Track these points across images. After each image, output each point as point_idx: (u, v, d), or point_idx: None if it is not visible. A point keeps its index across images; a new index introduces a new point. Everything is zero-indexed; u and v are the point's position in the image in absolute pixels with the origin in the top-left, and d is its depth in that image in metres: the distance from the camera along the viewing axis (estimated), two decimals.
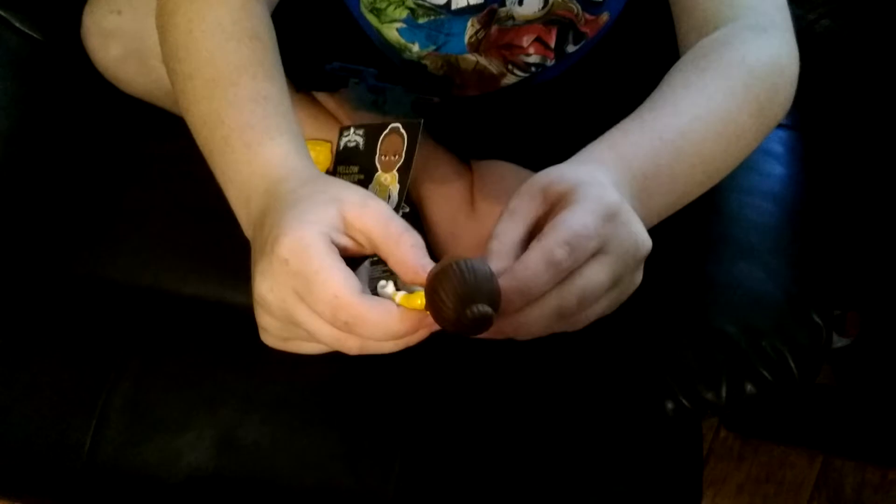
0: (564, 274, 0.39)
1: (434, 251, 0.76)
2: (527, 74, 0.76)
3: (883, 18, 0.95)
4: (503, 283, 0.38)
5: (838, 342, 1.11)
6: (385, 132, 0.55)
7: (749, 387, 0.62)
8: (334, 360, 0.76)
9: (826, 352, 0.64)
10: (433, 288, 0.38)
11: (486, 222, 0.70)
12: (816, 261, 0.69)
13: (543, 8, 0.67)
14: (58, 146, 0.81)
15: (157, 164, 0.87)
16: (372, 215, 0.41)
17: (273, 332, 0.47)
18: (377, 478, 0.70)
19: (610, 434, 0.72)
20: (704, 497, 1.02)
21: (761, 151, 0.73)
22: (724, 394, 0.62)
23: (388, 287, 0.42)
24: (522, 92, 0.81)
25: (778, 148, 0.74)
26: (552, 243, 0.39)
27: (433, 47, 0.73)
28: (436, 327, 0.40)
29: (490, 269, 0.38)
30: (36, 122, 0.78)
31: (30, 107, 0.78)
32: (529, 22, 0.69)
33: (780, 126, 0.76)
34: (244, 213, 0.49)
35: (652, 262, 0.69)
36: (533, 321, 0.40)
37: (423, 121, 0.50)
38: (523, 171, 0.74)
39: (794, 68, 0.55)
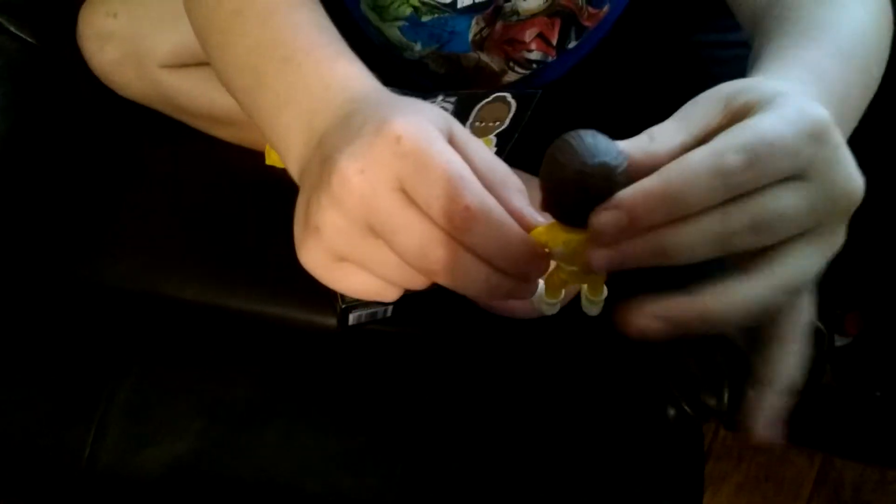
0: (738, 191, 0.29)
1: None
2: (528, 72, 0.76)
3: None
4: (648, 184, 0.29)
5: (838, 341, 1.11)
6: (486, 100, 0.50)
7: (751, 393, 0.62)
8: (335, 364, 0.77)
9: (829, 356, 0.64)
10: (549, 160, 0.31)
11: None
12: None
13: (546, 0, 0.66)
14: (55, 151, 0.81)
15: (155, 168, 0.87)
16: (481, 145, 0.34)
17: (331, 241, 0.35)
18: (379, 482, 0.70)
19: (612, 439, 0.72)
20: (703, 496, 1.02)
21: None
22: (726, 400, 0.62)
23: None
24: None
25: None
26: (725, 145, 0.29)
27: (436, 46, 0.72)
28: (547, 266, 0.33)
29: (621, 150, 0.30)
30: (33, 126, 0.78)
31: (26, 111, 0.77)
32: (533, 15, 0.69)
33: None
34: (304, 132, 0.39)
35: (653, 267, 0.69)
36: (683, 243, 0.31)
37: (540, 91, 0.45)
38: (525, 176, 0.73)
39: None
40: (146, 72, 0.80)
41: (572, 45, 0.72)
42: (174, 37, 0.80)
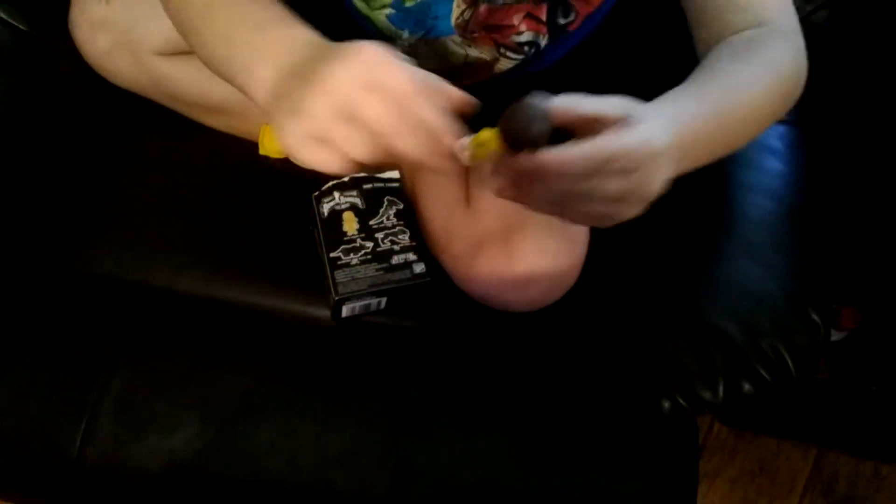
0: (590, 176, 0.45)
1: (429, 247, 0.75)
2: (521, 56, 0.75)
3: (881, 11, 0.95)
4: (552, 157, 0.44)
5: (834, 336, 1.11)
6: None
7: (747, 386, 0.62)
8: (328, 359, 0.76)
9: (824, 349, 0.64)
10: (508, 113, 0.46)
11: (481, 218, 0.69)
12: (815, 258, 0.68)
13: None
14: (47, 140, 0.80)
15: (147, 158, 0.86)
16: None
17: (314, 123, 0.45)
18: (372, 478, 0.70)
19: (606, 431, 0.72)
20: (698, 491, 1.02)
21: (760, 147, 0.73)
22: (721, 393, 0.62)
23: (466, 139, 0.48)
24: (518, 82, 0.80)
25: (777, 143, 0.73)
26: (605, 150, 0.45)
27: (422, 32, 0.72)
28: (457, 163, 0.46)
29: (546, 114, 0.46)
30: (26, 115, 0.77)
31: (19, 100, 0.77)
32: (520, 1, 0.68)
33: (778, 121, 0.76)
34: (275, 68, 0.50)
35: (651, 260, 0.69)
36: (545, 190, 0.46)
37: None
38: None
39: (805, 66, 0.63)
40: (139, 59, 0.79)
41: (562, 21, 0.71)
42: (167, 24, 0.79)
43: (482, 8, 0.69)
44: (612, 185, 0.45)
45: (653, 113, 0.48)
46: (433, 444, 0.71)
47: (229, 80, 0.56)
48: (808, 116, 0.78)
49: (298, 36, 0.51)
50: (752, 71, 0.57)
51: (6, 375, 0.73)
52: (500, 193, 0.47)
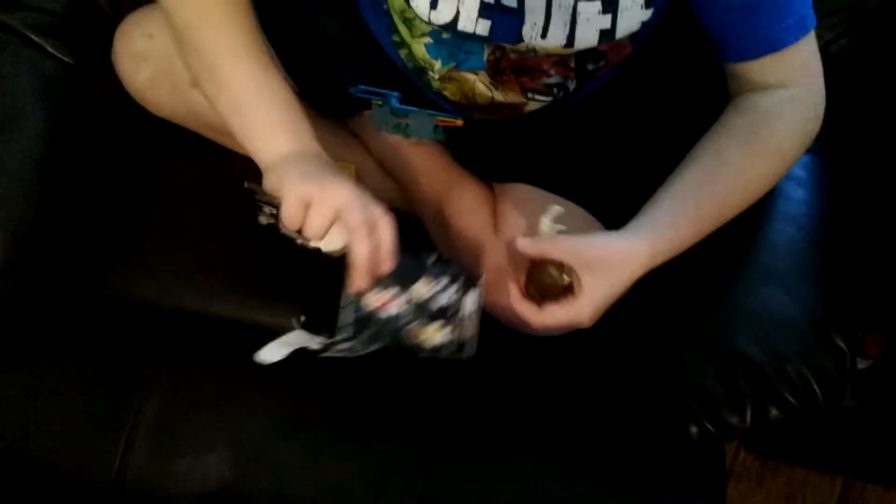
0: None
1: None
2: (549, 98, 0.77)
3: None
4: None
5: (860, 363, 1.11)
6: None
7: (774, 411, 0.62)
8: (357, 384, 0.77)
9: (850, 376, 0.64)
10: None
11: (509, 244, 0.70)
12: (840, 285, 0.69)
13: (568, 45, 0.68)
14: (87, 168, 0.82)
15: (182, 185, 0.88)
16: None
17: (318, 193, 0.60)
18: (400, 499, 0.71)
19: (634, 457, 0.72)
20: None
21: (785, 176, 0.73)
22: (748, 419, 0.62)
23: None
24: (545, 115, 0.82)
25: (801, 172, 0.74)
26: (566, 317, 0.62)
27: (453, 64, 0.74)
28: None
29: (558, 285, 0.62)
30: (66, 144, 0.80)
31: (61, 129, 0.79)
32: (549, 55, 0.70)
33: None
34: (269, 153, 0.64)
35: (677, 286, 0.70)
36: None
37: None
38: (546, 195, 0.74)
39: (819, 123, 0.68)
40: (179, 90, 0.82)
41: (591, 67, 0.73)
42: None
43: (513, 55, 0.71)
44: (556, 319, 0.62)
45: (624, 254, 0.61)
46: (459, 471, 0.72)
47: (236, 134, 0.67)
48: (830, 145, 0.79)
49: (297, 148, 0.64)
50: (753, 164, 0.64)
51: (47, 397, 0.75)
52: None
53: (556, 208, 0.63)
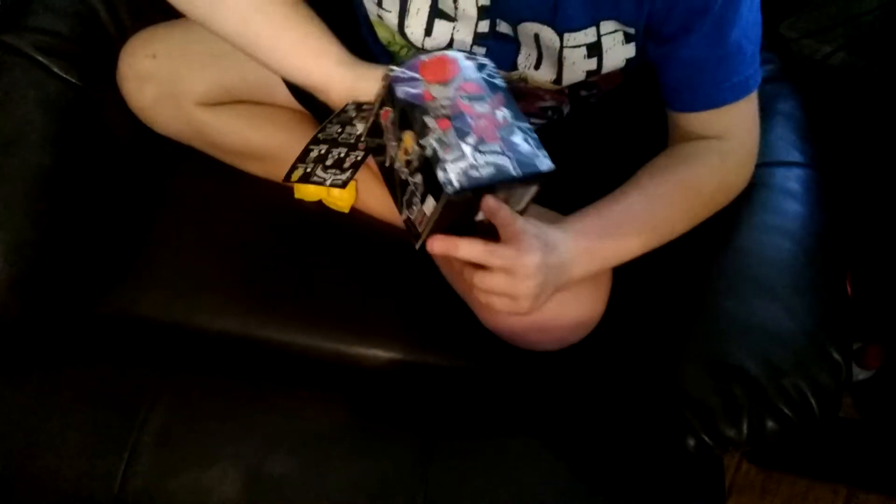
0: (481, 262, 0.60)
1: (457, 289, 0.78)
2: (543, 121, 0.78)
3: None
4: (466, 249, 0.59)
5: (860, 375, 1.11)
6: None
7: (770, 424, 0.63)
8: (360, 397, 0.78)
9: (846, 388, 0.65)
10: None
11: None
12: (834, 298, 0.69)
13: (556, 81, 0.69)
14: (93, 186, 0.83)
15: (187, 202, 0.90)
16: None
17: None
18: None
19: (633, 470, 0.72)
20: None
21: (778, 190, 0.74)
22: (745, 431, 0.63)
23: None
24: (539, 132, 0.83)
25: (794, 186, 0.75)
26: (487, 254, 0.59)
27: None
28: None
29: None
30: (72, 163, 0.81)
31: (69, 149, 0.81)
32: (539, 87, 0.71)
33: (795, 164, 0.77)
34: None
35: (673, 300, 0.71)
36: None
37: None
38: (546, 211, 0.75)
39: (745, 178, 0.72)
40: (183, 110, 0.84)
41: (584, 94, 0.74)
42: (210, 76, 0.84)
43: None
44: (492, 280, 0.60)
45: (550, 236, 0.62)
46: (461, 484, 0.72)
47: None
48: (825, 158, 0.80)
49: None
50: (669, 193, 0.68)
51: (51, 413, 0.76)
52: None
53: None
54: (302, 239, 0.87)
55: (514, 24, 0.66)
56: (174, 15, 0.87)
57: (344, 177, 0.72)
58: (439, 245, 0.58)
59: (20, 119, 0.78)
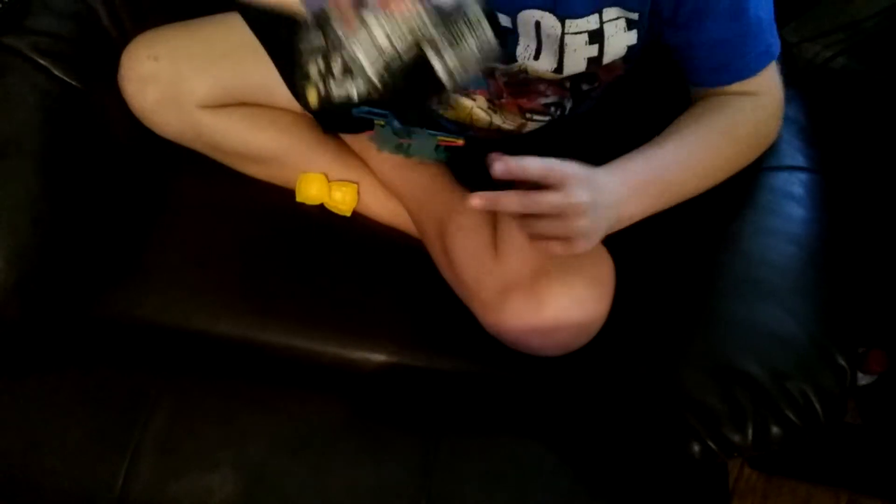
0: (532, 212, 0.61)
1: (459, 294, 0.77)
2: (547, 118, 0.78)
3: None
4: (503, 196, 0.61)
5: (863, 379, 1.11)
6: None
7: (775, 429, 0.62)
8: (361, 401, 0.78)
9: (850, 393, 0.65)
10: None
11: (509, 266, 0.71)
12: (839, 302, 0.69)
13: (557, 71, 0.69)
14: (92, 188, 0.83)
15: (187, 205, 0.89)
16: None
17: None
18: None
19: (637, 476, 0.72)
20: None
21: (782, 194, 0.74)
22: (750, 436, 0.62)
23: None
24: (544, 134, 0.82)
25: (798, 190, 0.75)
26: (537, 200, 0.60)
27: None
28: None
29: None
30: (75, 166, 0.81)
31: (69, 151, 0.80)
32: (541, 79, 0.71)
33: (798, 168, 0.77)
34: None
35: (677, 304, 0.70)
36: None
37: None
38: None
39: (778, 127, 0.74)
40: (184, 112, 0.84)
41: (586, 87, 0.74)
42: (212, 78, 0.83)
43: (502, 79, 0.72)
44: (548, 226, 0.61)
45: (597, 176, 0.62)
46: (463, 487, 0.72)
47: None
48: (829, 162, 0.80)
49: None
50: (707, 136, 0.69)
51: (51, 416, 0.76)
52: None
53: None
54: (303, 242, 0.86)
55: (512, 15, 0.66)
56: (176, 17, 0.88)
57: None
58: (479, 201, 0.60)
59: (20, 121, 0.78)
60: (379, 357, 0.80)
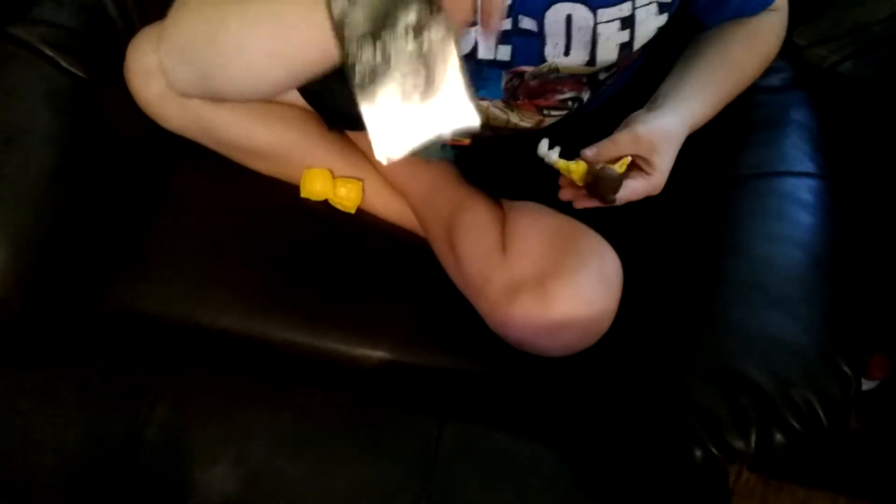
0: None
1: (465, 292, 0.77)
2: (564, 112, 0.77)
3: None
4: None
5: (864, 385, 1.11)
6: None
7: (778, 436, 0.62)
8: (363, 398, 0.78)
9: (855, 402, 0.64)
10: (594, 184, 0.66)
11: (517, 264, 0.71)
12: (845, 310, 0.69)
13: (589, 63, 0.69)
14: (99, 180, 0.83)
15: (193, 197, 0.89)
16: None
17: None
18: None
19: (638, 478, 0.72)
20: None
21: (790, 200, 0.74)
22: (753, 443, 0.62)
23: (554, 154, 0.68)
24: (556, 131, 0.82)
25: (807, 196, 0.74)
26: (645, 187, 0.67)
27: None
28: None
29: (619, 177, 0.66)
30: (79, 157, 0.80)
31: (74, 143, 0.80)
32: (572, 75, 0.71)
33: (807, 174, 0.77)
34: None
35: (682, 309, 0.70)
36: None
37: None
38: (555, 214, 0.75)
39: (784, 36, 0.80)
40: (189, 105, 0.83)
41: (603, 76, 0.74)
42: None
43: (532, 82, 0.71)
44: (637, 194, 0.67)
45: (673, 136, 0.68)
46: (464, 486, 0.72)
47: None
48: (836, 169, 0.79)
49: None
50: (750, 59, 0.76)
51: (52, 409, 0.76)
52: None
53: (545, 140, 0.69)
54: (307, 238, 0.86)
55: (538, 15, 0.66)
56: None
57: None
58: (582, 202, 0.68)
59: (26, 112, 0.78)
60: (381, 354, 0.80)
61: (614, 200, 0.66)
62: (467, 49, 0.68)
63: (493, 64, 0.69)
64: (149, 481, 0.72)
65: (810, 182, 0.76)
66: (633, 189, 0.66)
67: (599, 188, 0.65)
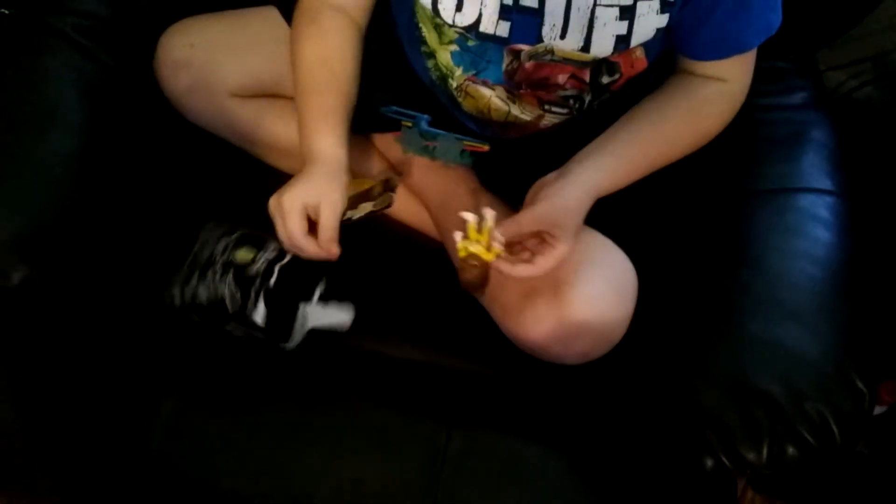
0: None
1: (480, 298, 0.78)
2: (566, 111, 0.78)
3: None
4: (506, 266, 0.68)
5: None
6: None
7: (791, 449, 0.62)
8: (374, 396, 0.78)
9: (869, 418, 0.65)
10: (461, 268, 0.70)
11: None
12: (860, 326, 0.69)
13: (584, 50, 0.69)
14: (123, 171, 0.84)
15: (213, 192, 0.90)
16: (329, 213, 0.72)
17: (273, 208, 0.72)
18: None
19: (647, 486, 0.72)
20: None
21: (809, 216, 0.74)
22: (765, 455, 0.62)
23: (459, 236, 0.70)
24: (568, 138, 0.83)
25: (824, 213, 0.75)
26: (551, 261, 0.67)
27: (473, 72, 0.75)
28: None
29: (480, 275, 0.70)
30: (106, 145, 0.81)
31: (101, 131, 0.81)
32: (567, 60, 0.72)
33: (826, 192, 0.78)
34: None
35: (698, 321, 0.71)
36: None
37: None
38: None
39: (732, 116, 0.76)
40: (215, 99, 0.84)
41: (605, 80, 0.75)
42: (244, 67, 0.84)
43: (528, 63, 0.72)
44: (540, 270, 0.68)
45: (575, 215, 0.69)
46: (471, 487, 0.72)
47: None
48: (855, 189, 0.80)
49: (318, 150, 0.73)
50: (682, 136, 0.74)
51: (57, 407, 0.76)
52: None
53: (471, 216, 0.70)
54: None
55: None
56: (213, 4, 0.88)
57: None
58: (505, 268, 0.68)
59: (56, 99, 0.79)
60: (394, 353, 0.81)
61: (478, 291, 0.71)
62: (472, 21, 0.70)
63: (492, 39, 0.70)
64: (156, 467, 0.73)
65: (829, 199, 0.76)
66: (541, 265, 0.67)
67: (462, 274, 0.69)
